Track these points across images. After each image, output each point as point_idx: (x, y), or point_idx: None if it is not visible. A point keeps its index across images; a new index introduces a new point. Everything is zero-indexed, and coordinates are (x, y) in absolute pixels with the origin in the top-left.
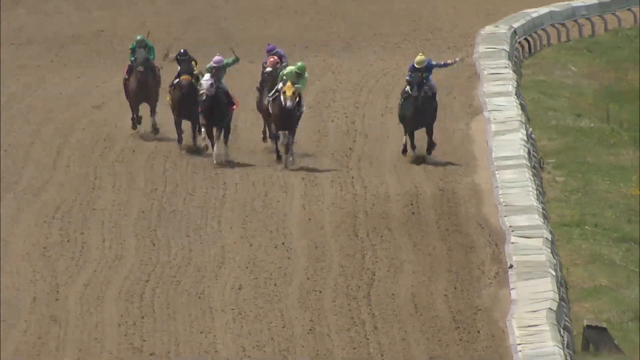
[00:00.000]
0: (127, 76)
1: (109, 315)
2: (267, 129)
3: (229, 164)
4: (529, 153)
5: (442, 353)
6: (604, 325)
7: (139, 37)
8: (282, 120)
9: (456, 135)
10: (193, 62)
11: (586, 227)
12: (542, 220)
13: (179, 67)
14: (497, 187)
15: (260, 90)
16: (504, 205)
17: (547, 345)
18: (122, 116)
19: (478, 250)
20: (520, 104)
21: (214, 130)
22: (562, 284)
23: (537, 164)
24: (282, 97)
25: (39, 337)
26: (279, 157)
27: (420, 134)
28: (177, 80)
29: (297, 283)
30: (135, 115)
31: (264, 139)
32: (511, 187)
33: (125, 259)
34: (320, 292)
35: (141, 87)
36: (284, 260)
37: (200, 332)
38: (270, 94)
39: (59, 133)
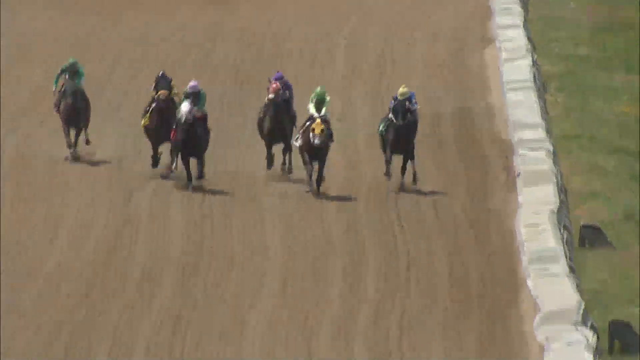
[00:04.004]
0: (57, 103)
1: (174, 217)
2: (268, 155)
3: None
4: (534, 77)
5: (459, 250)
6: (599, 225)
7: (71, 60)
8: (312, 152)
9: (472, 62)
10: (172, 83)
11: (583, 140)
12: (546, 135)
13: (157, 88)
14: (507, 106)
15: (262, 117)
16: (513, 122)
17: (550, 242)
18: (187, 51)
19: (490, 161)
20: (527, 36)
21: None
22: (563, 190)
23: (542, 86)
24: (310, 135)
25: (115, 237)
26: (310, 185)
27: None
28: (155, 100)
29: (334, 191)
30: (68, 139)
31: (269, 165)
32: (519, 106)
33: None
34: (355, 199)
35: (71, 114)
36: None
37: (253, 233)
38: (301, 125)
39: (131, 66)
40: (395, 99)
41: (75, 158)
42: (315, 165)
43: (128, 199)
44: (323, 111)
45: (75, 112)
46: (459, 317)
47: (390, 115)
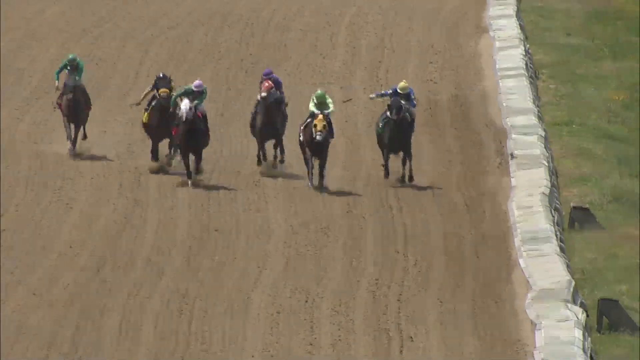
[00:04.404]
0: (59, 100)
1: (181, 198)
2: (261, 152)
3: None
4: (526, 65)
5: (455, 230)
6: (588, 206)
7: (70, 56)
8: (313, 148)
9: (467, 51)
10: (172, 84)
11: (574, 126)
12: (538, 120)
13: (157, 87)
14: (501, 92)
15: (254, 114)
16: (506, 108)
17: (541, 223)
18: (193, 33)
19: (485, 146)
20: (520, 25)
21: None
22: (554, 173)
23: (534, 74)
24: (313, 130)
25: (125, 217)
26: (310, 179)
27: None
28: (156, 98)
29: (336, 172)
30: (68, 131)
31: (259, 162)
32: (512, 93)
33: None
34: (354, 179)
35: (72, 109)
36: None
37: (256, 212)
38: (302, 122)
39: (140, 48)
40: (394, 92)
41: (75, 154)
42: (317, 163)
43: (137, 182)
44: (329, 109)
45: (75, 108)
46: (454, 294)
47: (387, 112)
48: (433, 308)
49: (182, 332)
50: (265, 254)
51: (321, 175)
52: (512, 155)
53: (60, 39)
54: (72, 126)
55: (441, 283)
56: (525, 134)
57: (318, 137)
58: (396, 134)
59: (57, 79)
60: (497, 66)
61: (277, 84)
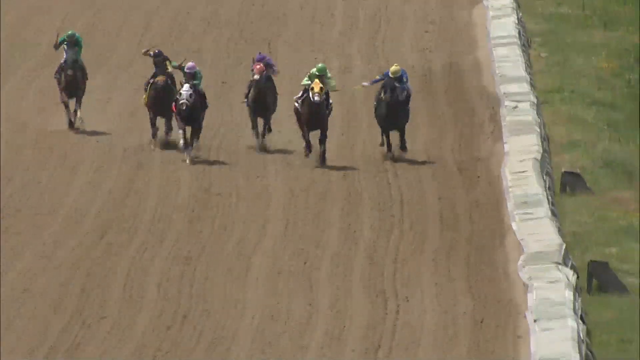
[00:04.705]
0: (58, 75)
1: (183, 164)
2: (256, 133)
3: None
4: (519, 34)
5: (449, 194)
6: (578, 171)
7: (70, 32)
8: (312, 117)
9: (461, 20)
10: (167, 61)
11: (565, 93)
12: (530, 88)
13: (155, 68)
14: (494, 61)
15: (248, 91)
16: (499, 76)
17: (533, 188)
18: (195, 4)
19: (478, 113)
20: None
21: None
22: (545, 139)
23: (526, 42)
24: (310, 93)
25: (129, 181)
26: (308, 150)
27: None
28: (153, 80)
29: (332, 142)
30: (69, 115)
31: (255, 132)
32: (505, 61)
33: None
34: (352, 146)
35: (71, 85)
36: None
37: (257, 177)
38: (299, 96)
39: (143, 19)
40: (386, 76)
41: (74, 127)
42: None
43: (140, 149)
44: (328, 85)
45: (75, 84)
46: (449, 257)
47: (381, 94)
48: (428, 270)
49: (184, 294)
50: (265, 218)
51: (323, 151)
52: (514, 107)
53: (64, 10)
54: (71, 101)
55: (436, 246)
56: (517, 101)
57: (316, 99)
58: (390, 113)
59: (57, 51)
60: (490, 35)
61: (269, 65)
